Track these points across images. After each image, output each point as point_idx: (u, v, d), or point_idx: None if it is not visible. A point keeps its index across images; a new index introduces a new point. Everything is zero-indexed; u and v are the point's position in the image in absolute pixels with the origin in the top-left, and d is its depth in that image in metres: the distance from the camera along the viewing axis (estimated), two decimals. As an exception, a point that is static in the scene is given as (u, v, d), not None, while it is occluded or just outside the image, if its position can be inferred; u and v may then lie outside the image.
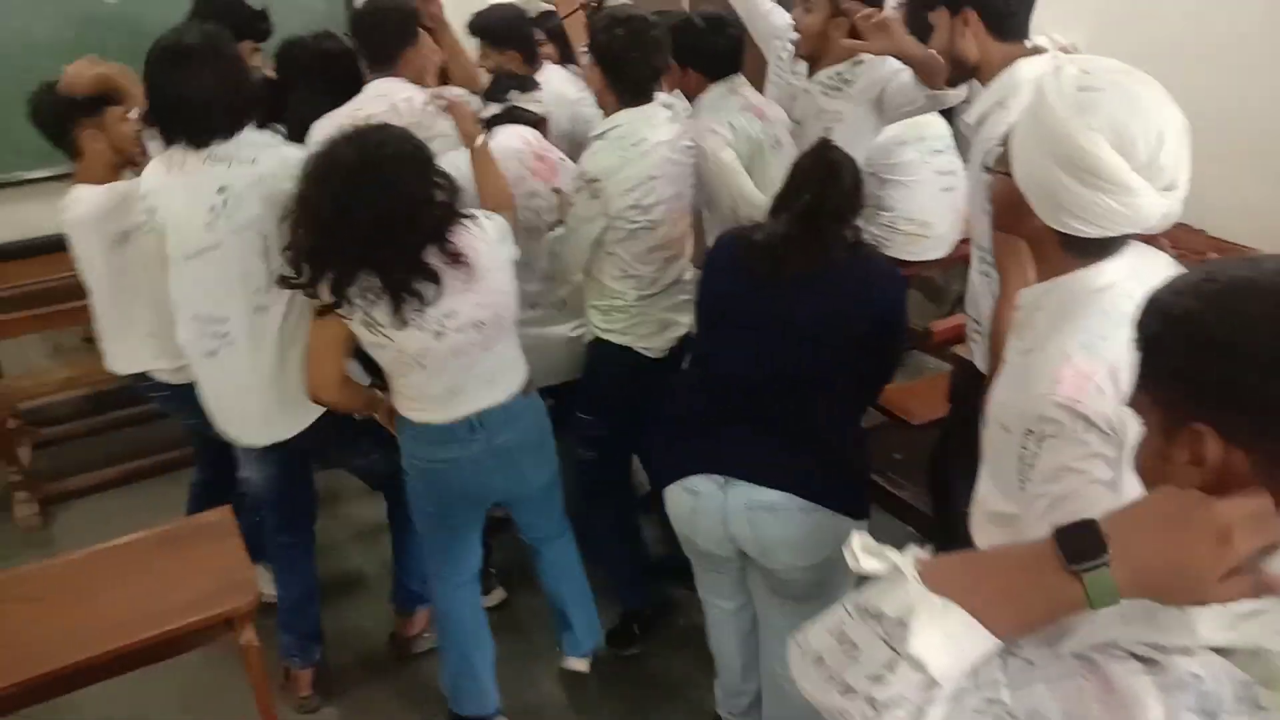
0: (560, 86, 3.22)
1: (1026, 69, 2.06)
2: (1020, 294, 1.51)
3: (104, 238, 2.49)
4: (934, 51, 2.26)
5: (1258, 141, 3.15)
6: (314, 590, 2.72)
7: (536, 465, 2.37)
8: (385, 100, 2.60)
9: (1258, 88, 3.15)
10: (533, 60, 3.24)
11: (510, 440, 2.25)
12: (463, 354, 2.10)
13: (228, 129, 2.17)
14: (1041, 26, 3.49)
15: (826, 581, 2.06)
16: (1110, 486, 1.27)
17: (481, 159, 2.40)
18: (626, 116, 2.41)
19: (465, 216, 2.08)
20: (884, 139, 3.11)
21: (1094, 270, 1.36)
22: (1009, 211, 1.43)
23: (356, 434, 2.46)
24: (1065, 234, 1.34)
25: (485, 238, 2.11)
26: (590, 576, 2.66)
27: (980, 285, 2.31)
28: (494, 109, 2.73)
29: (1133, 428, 1.25)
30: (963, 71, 2.20)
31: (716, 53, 2.73)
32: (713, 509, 2.05)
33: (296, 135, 2.55)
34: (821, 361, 2.03)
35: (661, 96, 2.53)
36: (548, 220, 2.75)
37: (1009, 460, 1.38)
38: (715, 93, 2.74)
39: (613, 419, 2.74)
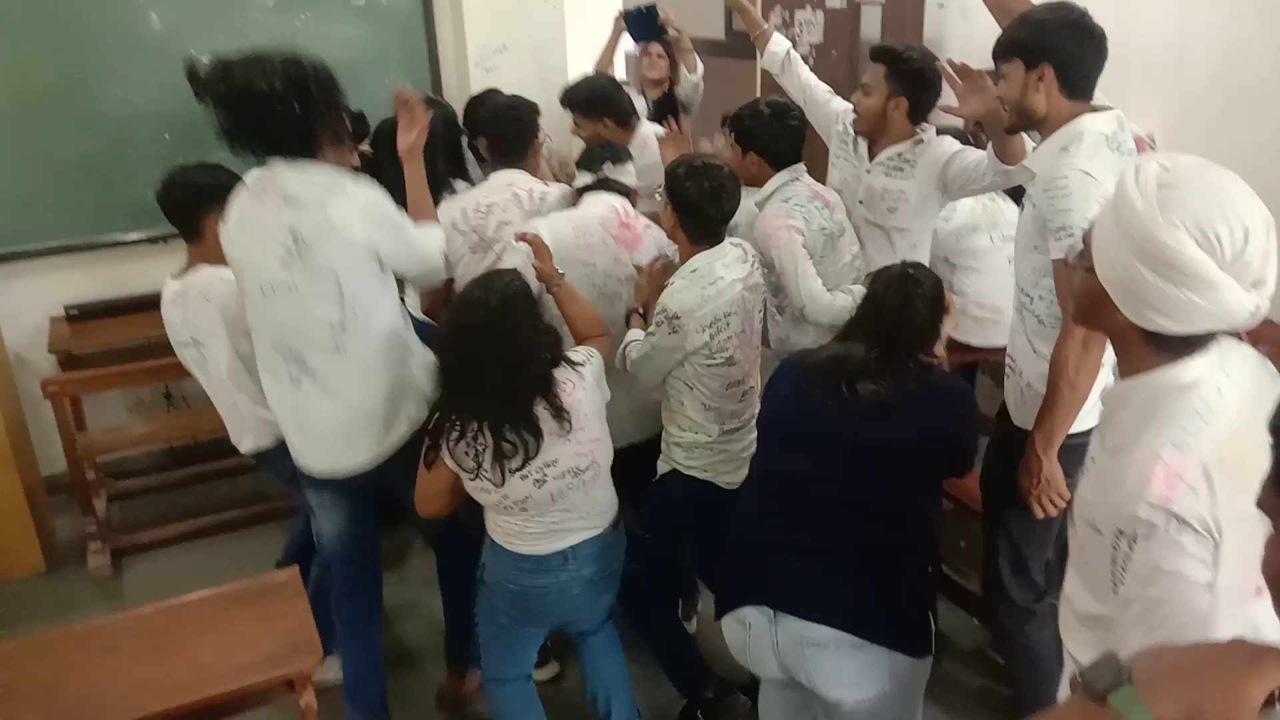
0: (654, 140, 3.48)
1: (1091, 121, 2.11)
2: (1103, 391, 1.49)
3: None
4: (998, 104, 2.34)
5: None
6: (380, 661, 2.71)
7: (610, 591, 2.43)
8: (509, 190, 2.86)
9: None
10: (626, 122, 3.44)
11: (598, 573, 2.31)
12: (563, 498, 2.17)
13: (294, 152, 2.17)
14: (1120, 109, 3.52)
15: (886, 713, 2.00)
16: (1207, 589, 1.22)
17: (565, 297, 2.51)
18: (704, 259, 2.49)
19: (568, 363, 2.16)
20: (956, 225, 3.13)
21: (1180, 367, 1.33)
22: (1092, 306, 1.41)
23: None
24: (1150, 330, 1.32)
25: (584, 384, 2.18)
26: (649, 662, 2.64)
27: (1016, 323, 2.34)
28: (586, 178, 2.81)
29: (1232, 528, 1.22)
30: (1027, 123, 2.24)
31: (783, 140, 2.81)
32: (763, 642, 2.00)
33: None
34: (882, 486, 2.00)
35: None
36: (627, 291, 2.80)
37: (1100, 561, 1.34)
38: (781, 180, 2.80)
39: (677, 543, 2.76)
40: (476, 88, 4.13)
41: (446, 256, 2.54)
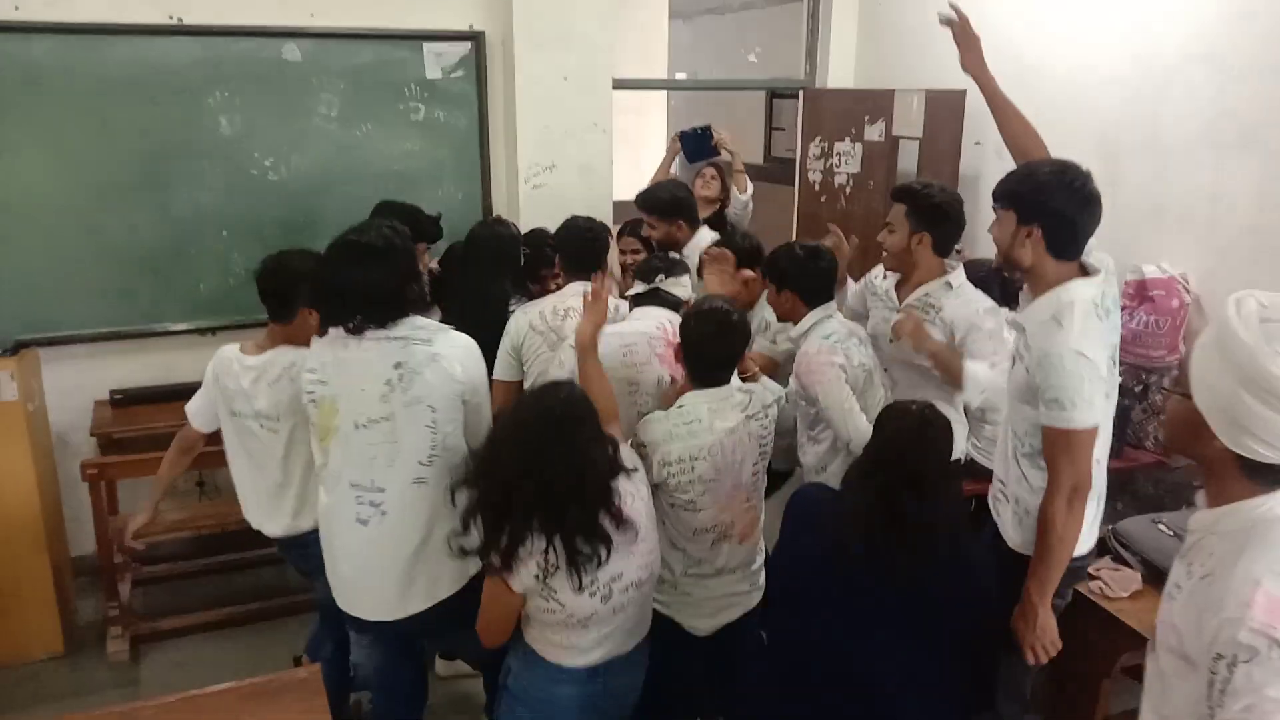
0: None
1: (1079, 289, 2.17)
2: (1192, 519, 1.54)
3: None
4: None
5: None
6: None
7: (631, 704, 2.35)
8: (580, 299, 2.93)
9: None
10: (696, 226, 3.69)
11: (624, 684, 2.27)
12: (622, 612, 2.14)
13: (391, 318, 2.28)
14: (1154, 256, 3.59)
15: None
16: None
17: (593, 371, 2.50)
18: (692, 398, 2.46)
19: (624, 471, 2.13)
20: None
21: (1277, 496, 1.39)
22: (1187, 434, 1.48)
23: (468, 617, 2.40)
24: (1247, 459, 1.39)
25: (642, 495, 2.18)
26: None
27: (1009, 454, 2.39)
28: (640, 288, 2.89)
29: None
30: (1013, 270, 2.33)
31: (817, 279, 2.87)
32: None
33: (456, 317, 2.82)
34: (916, 661, 1.99)
35: (736, 383, 2.56)
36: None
37: (1191, 689, 1.37)
38: (817, 316, 2.85)
39: (666, 689, 2.55)
40: (525, 202, 4.30)
41: (520, 360, 2.77)
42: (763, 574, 2.64)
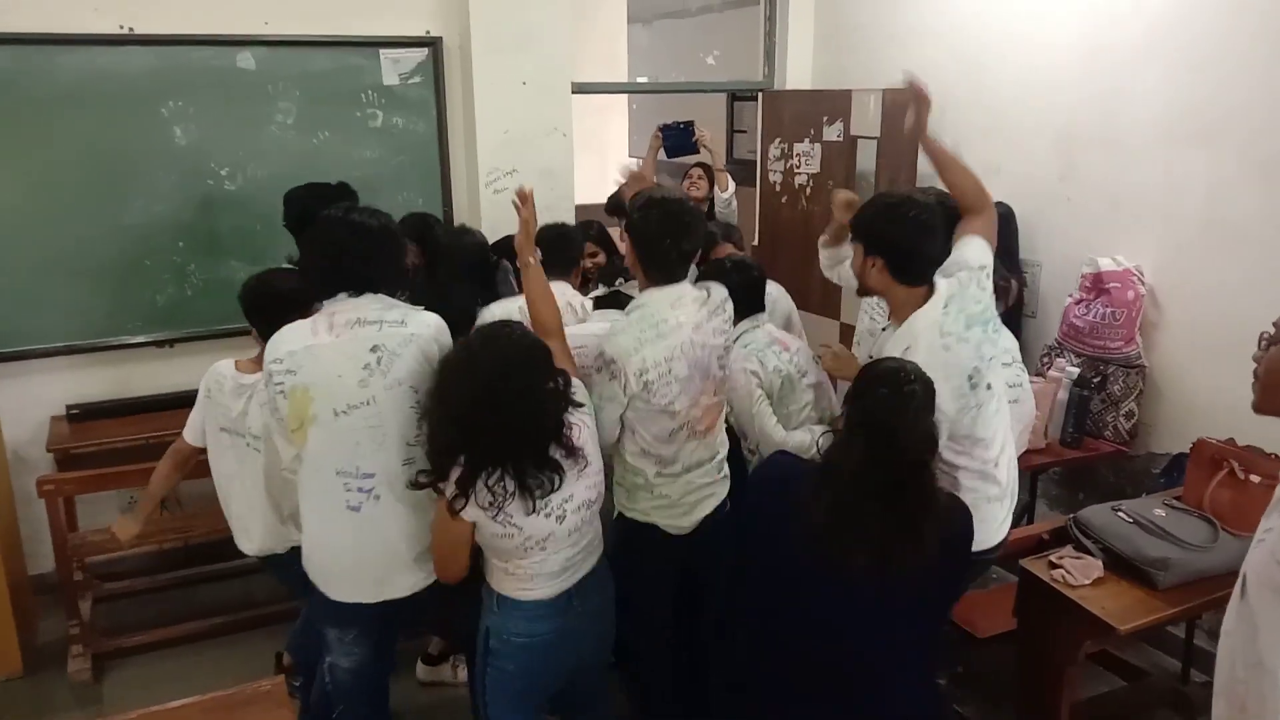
0: None
1: (923, 320, 2.31)
2: None
3: None
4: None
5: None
6: None
7: (609, 620, 2.42)
8: (563, 299, 2.91)
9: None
10: None
11: (598, 604, 2.34)
12: (577, 532, 2.22)
13: (384, 288, 2.33)
14: (1110, 249, 3.65)
15: None
16: None
17: (534, 279, 2.51)
18: (651, 296, 2.44)
19: (572, 404, 2.21)
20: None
21: None
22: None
23: (454, 594, 2.43)
24: None
25: (588, 425, 2.26)
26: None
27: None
28: (600, 290, 2.90)
29: None
30: (870, 294, 2.52)
31: (745, 291, 2.90)
32: None
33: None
34: (894, 626, 1.98)
35: (695, 282, 2.57)
36: None
37: None
38: (743, 328, 2.89)
39: (653, 599, 2.67)
40: (486, 207, 4.29)
41: None
42: (726, 465, 2.67)
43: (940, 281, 2.37)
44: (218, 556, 3.95)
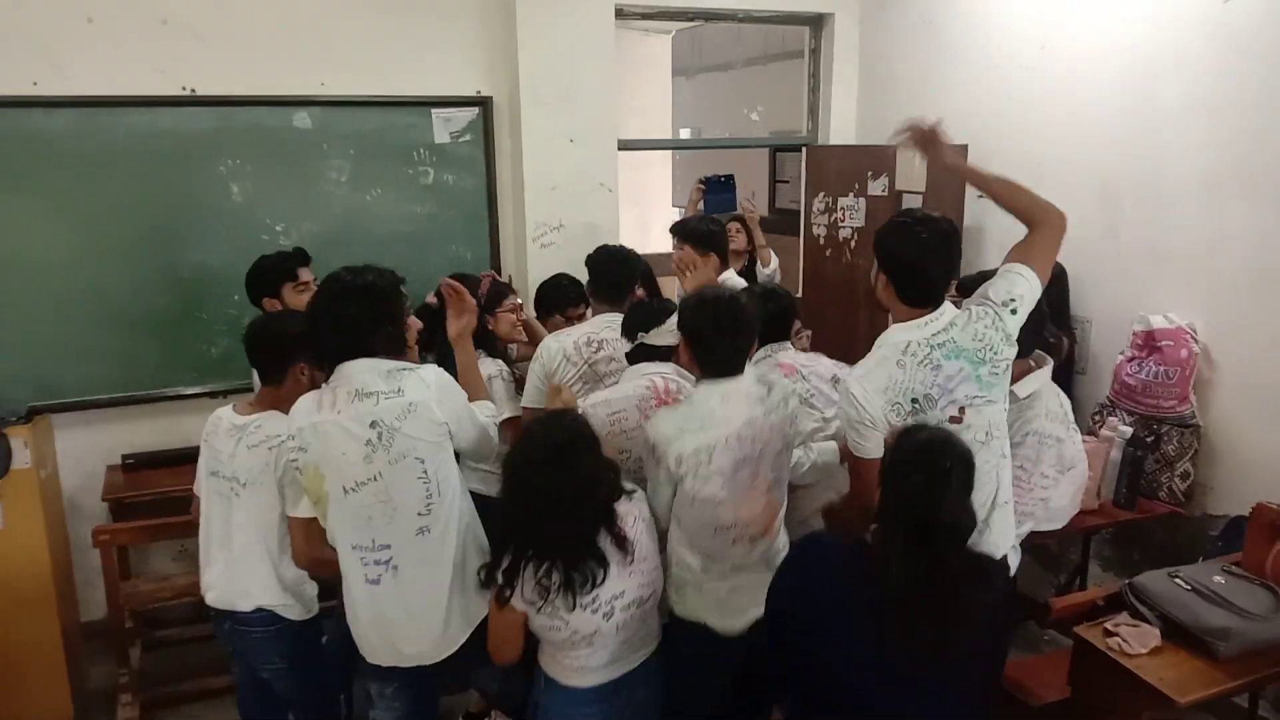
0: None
1: (895, 334, 2.34)
2: None
3: None
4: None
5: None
6: None
7: (655, 713, 2.40)
8: (613, 330, 3.07)
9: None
10: (724, 264, 3.68)
11: (645, 697, 2.33)
12: (626, 629, 2.21)
13: (381, 350, 2.30)
14: (1159, 304, 3.60)
15: None
16: None
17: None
18: (701, 390, 2.43)
19: (625, 494, 2.23)
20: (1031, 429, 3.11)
21: None
22: None
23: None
24: None
25: (642, 514, 2.26)
26: None
27: None
28: (626, 346, 2.90)
29: None
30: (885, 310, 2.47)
31: (769, 323, 2.93)
32: None
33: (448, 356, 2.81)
34: (947, 700, 1.93)
35: (753, 373, 2.52)
36: None
37: None
38: (758, 356, 2.93)
39: (699, 706, 2.53)
40: (534, 262, 4.34)
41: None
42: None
43: (949, 308, 2.34)
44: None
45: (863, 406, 2.26)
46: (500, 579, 2.12)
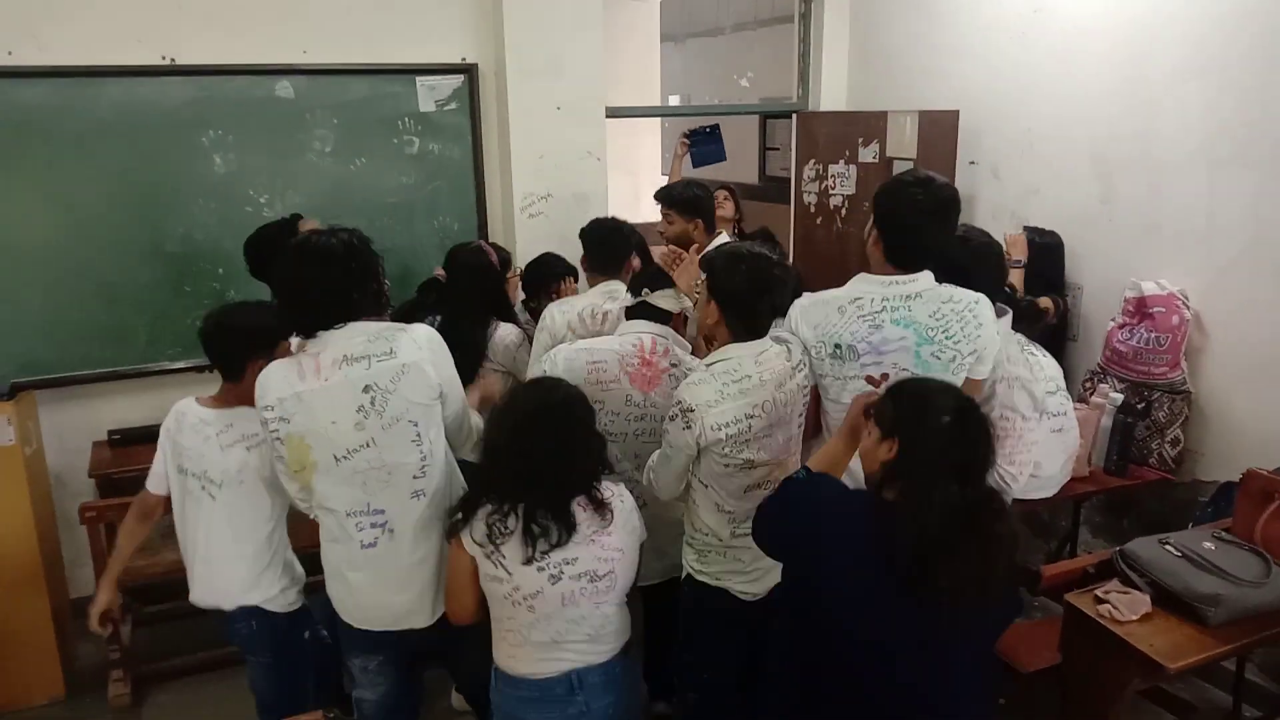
0: None
1: (857, 286, 2.38)
2: None
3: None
4: None
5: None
6: None
7: None
8: (614, 299, 3.13)
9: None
10: (712, 229, 3.65)
11: (610, 706, 2.19)
12: (572, 604, 2.09)
13: (338, 320, 2.21)
14: (1153, 271, 3.59)
15: None
16: None
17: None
18: (736, 351, 2.37)
19: (612, 474, 2.19)
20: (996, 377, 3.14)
21: None
22: None
23: (466, 638, 2.38)
24: None
25: (626, 500, 2.20)
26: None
27: None
28: (628, 300, 2.88)
29: None
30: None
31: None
32: None
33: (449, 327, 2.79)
34: (959, 651, 1.87)
35: (776, 334, 2.49)
36: (634, 429, 2.81)
37: None
38: None
39: (719, 666, 2.57)
40: (521, 231, 4.30)
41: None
42: None
43: (926, 278, 2.35)
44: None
45: (794, 330, 2.40)
46: (459, 513, 2.11)
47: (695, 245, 3.40)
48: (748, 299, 2.35)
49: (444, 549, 2.28)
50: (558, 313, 3.17)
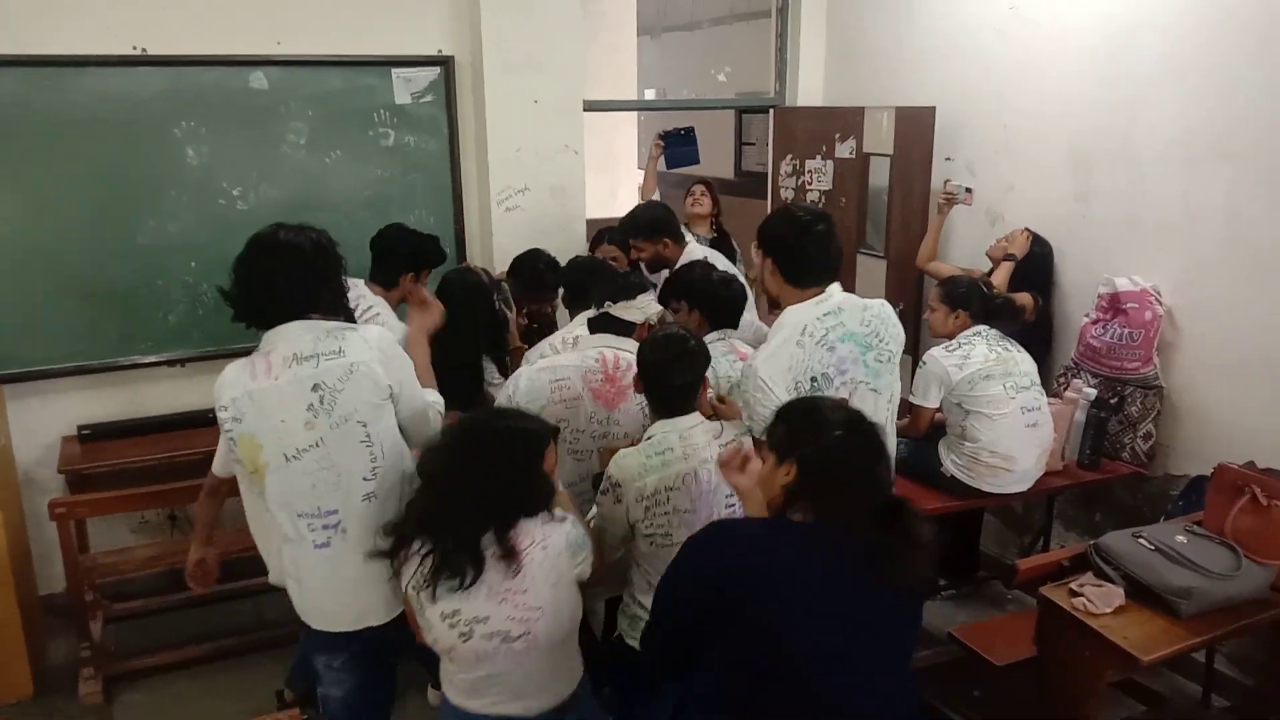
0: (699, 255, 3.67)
1: (790, 315, 2.44)
2: None
3: None
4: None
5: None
6: None
7: None
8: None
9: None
10: (681, 241, 3.70)
11: None
12: (489, 660, 2.02)
13: (321, 310, 2.24)
14: (1128, 268, 3.63)
15: None
16: None
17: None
18: (660, 428, 2.42)
19: (544, 515, 2.06)
20: (970, 372, 3.18)
21: None
22: None
23: None
24: None
25: (550, 546, 2.04)
26: None
27: None
28: (591, 312, 2.87)
29: None
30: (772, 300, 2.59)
31: (721, 304, 3.03)
32: None
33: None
34: (890, 678, 1.84)
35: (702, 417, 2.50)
36: (599, 446, 2.79)
37: None
38: (711, 338, 2.93)
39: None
40: (499, 225, 4.29)
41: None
42: None
43: (836, 290, 2.46)
44: (229, 576, 3.91)
45: (769, 389, 2.35)
46: (390, 553, 2.07)
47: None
48: (665, 380, 2.42)
49: None
50: (524, 380, 2.92)
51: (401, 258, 3.31)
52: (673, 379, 2.41)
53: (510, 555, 1.97)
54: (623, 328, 2.84)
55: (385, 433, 2.26)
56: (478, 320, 3.37)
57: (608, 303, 2.83)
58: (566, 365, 2.76)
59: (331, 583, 2.32)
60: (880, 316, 2.49)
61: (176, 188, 3.88)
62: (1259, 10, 3.16)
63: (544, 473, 2.07)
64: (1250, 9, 3.18)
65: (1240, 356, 3.29)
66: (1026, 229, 3.91)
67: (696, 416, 2.45)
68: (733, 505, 2.43)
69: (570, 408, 2.72)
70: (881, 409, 2.48)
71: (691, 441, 2.39)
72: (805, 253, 2.43)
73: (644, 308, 2.90)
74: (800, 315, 2.42)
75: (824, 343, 2.40)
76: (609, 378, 2.75)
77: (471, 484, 1.99)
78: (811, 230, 2.42)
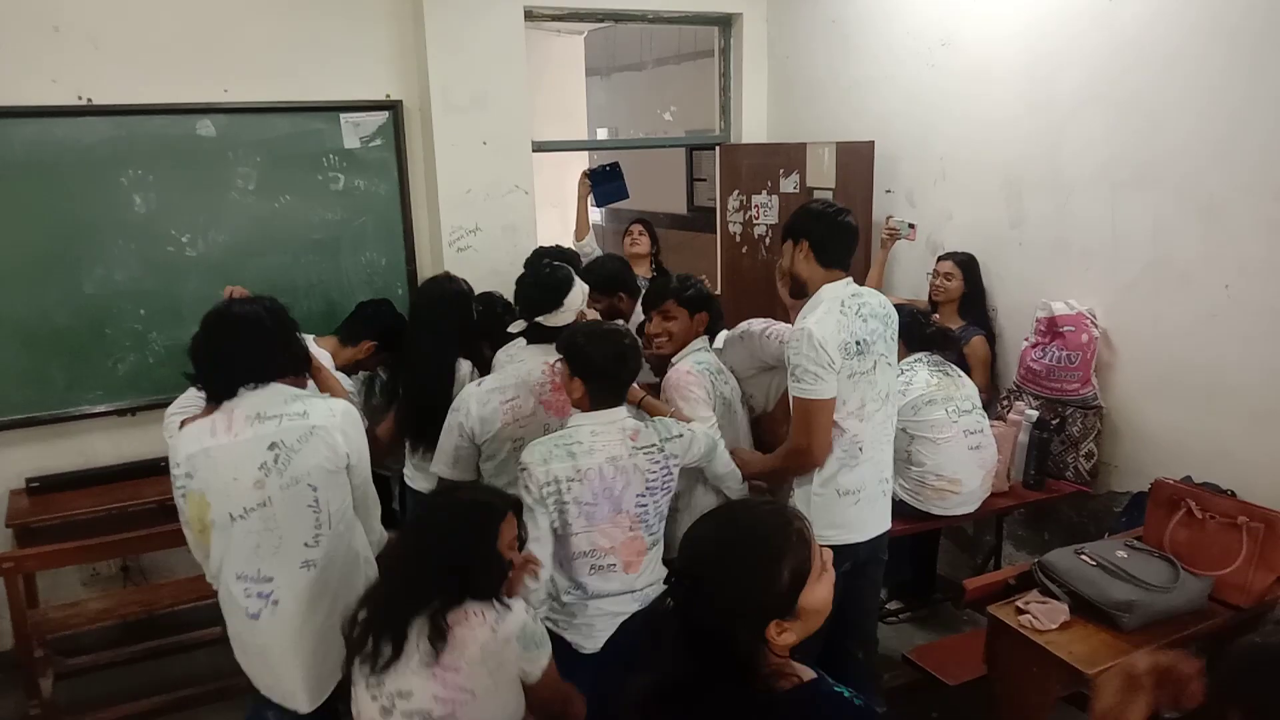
0: None
1: (828, 290, 2.66)
2: None
3: None
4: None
5: None
6: None
7: None
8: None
9: None
10: (636, 295, 3.71)
11: None
12: None
13: (262, 380, 2.26)
14: (1063, 291, 3.73)
15: None
16: None
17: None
18: (578, 420, 2.47)
19: (497, 605, 1.96)
20: (913, 397, 3.25)
21: None
22: None
23: None
24: None
25: (501, 631, 1.93)
26: None
27: None
28: (520, 325, 2.87)
29: None
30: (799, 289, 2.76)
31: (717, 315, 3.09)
32: None
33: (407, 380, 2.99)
34: None
35: (627, 411, 2.55)
36: None
37: None
38: (700, 344, 3.00)
39: None
40: (451, 266, 4.31)
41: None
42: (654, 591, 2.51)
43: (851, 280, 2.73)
44: (183, 627, 3.88)
45: (822, 348, 2.54)
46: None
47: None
48: (599, 375, 2.46)
49: (331, 627, 2.22)
50: (474, 403, 2.84)
51: (380, 332, 3.38)
52: (619, 373, 2.48)
53: (440, 633, 1.88)
54: (556, 334, 2.85)
55: (335, 501, 2.28)
56: (454, 325, 3.30)
57: (537, 318, 2.85)
58: (513, 382, 2.78)
59: (261, 656, 2.33)
60: (885, 303, 2.77)
61: (124, 235, 3.87)
62: (1164, 38, 3.29)
63: (497, 553, 2.00)
64: (1156, 36, 3.31)
65: (1170, 375, 3.40)
66: (938, 257, 4.11)
67: (621, 411, 2.49)
68: (644, 505, 2.48)
69: (524, 426, 2.75)
70: (894, 383, 2.81)
71: (604, 438, 2.43)
72: (837, 236, 2.69)
73: (571, 308, 2.89)
74: (835, 291, 2.66)
75: (860, 314, 2.65)
76: (557, 386, 2.79)
77: (409, 561, 1.99)
78: (842, 216, 2.71)
